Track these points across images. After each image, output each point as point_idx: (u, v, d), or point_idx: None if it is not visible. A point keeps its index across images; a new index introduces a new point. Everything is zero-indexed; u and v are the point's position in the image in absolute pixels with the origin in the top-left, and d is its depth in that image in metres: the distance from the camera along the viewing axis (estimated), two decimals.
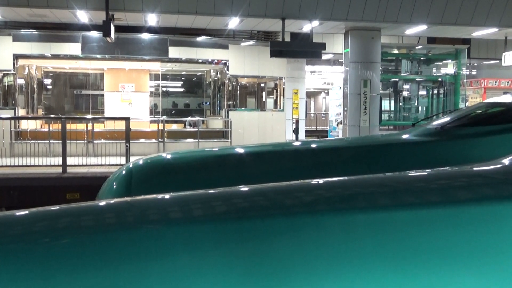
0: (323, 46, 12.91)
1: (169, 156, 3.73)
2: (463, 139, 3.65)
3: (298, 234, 1.21)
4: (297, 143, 4.71)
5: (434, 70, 17.70)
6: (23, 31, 14.35)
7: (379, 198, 1.44)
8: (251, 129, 15.30)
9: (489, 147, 3.56)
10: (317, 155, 3.77)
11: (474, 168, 1.68)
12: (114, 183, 3.25)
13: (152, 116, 16.92)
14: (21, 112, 14.75)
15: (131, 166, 3.39)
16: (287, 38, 13.12)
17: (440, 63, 17.72)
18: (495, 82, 22.16)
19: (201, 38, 15.41)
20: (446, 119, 4.08)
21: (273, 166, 3.53)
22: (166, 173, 3.39)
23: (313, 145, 4.32)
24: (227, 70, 15.63)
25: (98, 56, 14.73)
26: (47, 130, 12.59)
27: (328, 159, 3.66)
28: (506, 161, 1.65)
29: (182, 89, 20.46)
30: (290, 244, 1.19)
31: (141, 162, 3.50)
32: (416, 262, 1.16)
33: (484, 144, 3.59)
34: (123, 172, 3.32)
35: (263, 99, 18.21)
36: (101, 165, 11.13)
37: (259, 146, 4.55)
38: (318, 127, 25.66)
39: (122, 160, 10.73)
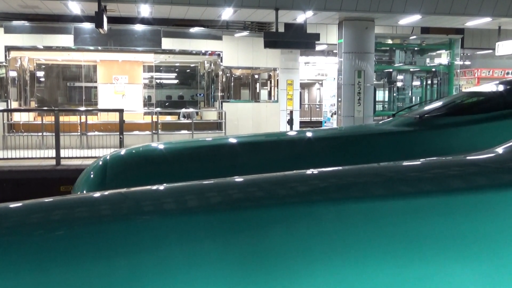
0: (317, 36, 12.88)
1: (145, 148, 3.70)
2: (441, 129, 3.64)
3: (293, 224, 1.21)
4: (277, 134, 4.67)
5: (428, 60, 17.72)
6: (15, 22, 14.22)
7: (373, 188, 1.44)
8: (246, 121, 15.28)
9: (467, 137, 3.56)
10: (293, 146, 3.74)
11: (469, 157, 1.69)
12: (89, 175, 3.23)
13: (146, 108, 16.86)
14: (14, 105, 14.65)
15: (107, 158, 3.37)
16: (281, 29, 13.07)
17: (434, 53, 17.74)
18: (489, 72, 22.22)
19: (194, 29, 15.33)
20: (425, 108, 4.07)
21: (250, 158, 3.49)
22: (141, 165, 3.36)
23: (290, 136, 4.27)
24: (221, 61, 15.57)
25: (91, 47, 14.63)
26: (40, 122, 12.52)
27: (304, 150, 3.63)
28: (500, 150, 1.65)
29: (176, 81, 20.39)
30: (285, 234, 1.19)
31: (116, 154, 3.48)
32: (411, 251, 1.16)
33: (461, 133, 3.59)
34: (98, 164, 3.30)
35: (257, 90, 18.18)
36: (95, 157, 11.07)
37: (238, 137, 4.53)
38: (312, 118, 25.68)
39: None
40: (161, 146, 3.87)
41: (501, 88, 4.04)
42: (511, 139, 3.43)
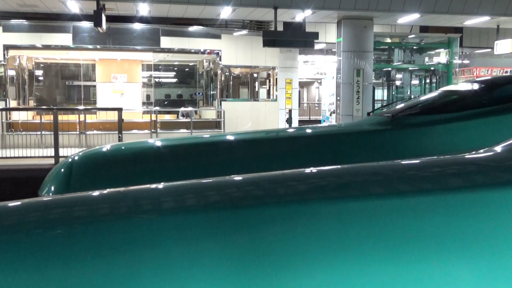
0: (315, 35, 12.87)
1: (113, 147, 3.64)
2: (412, 128, 3.61)
3: (291, 222, 1.21)
4: (251, 133, 4.61)
5: (426, 59, 17.74)
6: (13, 21, 14.19)
7: (372, 187, 1.44)
8: (244, 119, 15.28)
9: (439, 135, 3.54)
10: (262, 145, 3.67)
11: (467, 156, 1.69)
12: (54, 175, 3.18)
13: (145, 106, 16.84)
14: (12, 104, 14.63)
15: (75, 157, 3.31)
16: (280, 28, 13.07)
17: (433, 52, 17.75)
18: (487, 70, 22.22)
19: (193, 28, 15.31)
20: (399, 107, 4.04)
21: (220, 157, 3.44)
22: (109, 165, 3.30)
23: (260, 135, 4.22)
24: (220, 60, 15.56)
25: (90, 46, 14.60)
26: (39, 121, 12.51)
27: (275, 149, 3.58)
28: (498, 148, 1.65)
29: (174, 80, 20.37)
30: (283, 233, 1.19)
31: (84, 153, 3.42)
32: (410, 249, 1.16)
33: (433, 132, 3.56)
34: (65, 164, 3.24)
35: (256, 89, 18.17)
36: None
37: (209, 137, 4.47)
38: (311, 117, 25.68)
39: None
40: (130, 145, 3.79)
41: (475, 86, 4.02)
42: (483, 137, 3.44)
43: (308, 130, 4.32)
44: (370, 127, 3.74)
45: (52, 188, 3.07)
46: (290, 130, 4.68)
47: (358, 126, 3.98)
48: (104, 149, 3.57)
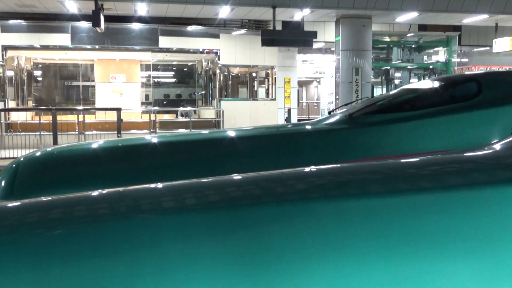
0: (314, 34, 12.87)
1: (60, 149, 3.52)
2: (369, 126, 3.56)
3: (290, 221, 1.21)
4: (200, 133, 4.44)
5: (425, 57, 17.74)
6: (12, 21, 14.18)
7: (371, 185, 1.44)
8: (243, 119, 15.29)
9: (395, 134, 3.50)
10: (216, 145, 3.57)
11: (466, 154, 1.69)
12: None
13: (144, 106, 16.83)
14: (11, 104, 14.62)
15: (21, 159, 3.19)
16: (278, 27, 13.08)
17: (431, 51, 17.76)
18: (486, 69, 22.22)
19: (192, 28, 15.31)
20: (359, 106, 3.99)
21: (169, 158, 3.33)
22: (55, 168, 3.17)
23: (215, 135, 4.11)
24: (219, 59, 15.56)
25: (88, 46, 14.60)
26: (38, 121, 12.50)
27: (228, 149, 3.47)
28: (497, 146, 1.66)
29: (173, 79, 20.37)
30: (283, 232, 1.19)
31: (30, 155, 3.29)
32: (409, 248, 1.16)
33: (389, 131, 3.52)
34: (10, 167, 3.10)
35: (255, 89, 18.17)
36: None
37: (160, 137, 4.36)
38: (310, 116, 25.68)
39: None
40: (79, 146, 3.67)
41: (434, 85, 3.98)
42: (441, 136, 3.43)
43: (264, 130, 4.21)
44: (326, 126, 3.70)
45: None
46: (247, 129, 4.57)
47: (314, 125, 3.91)
48: (52, 151, 3.43)
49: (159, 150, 3.45)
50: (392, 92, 4.57)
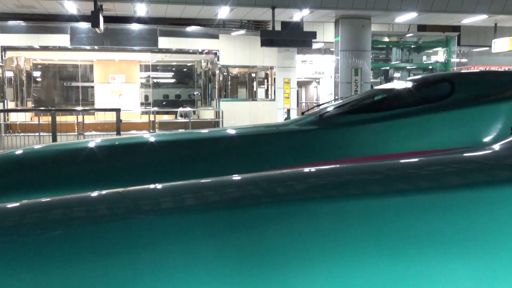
0: (313, 35, 12.88)
1: (26, 150, 3.45)
2: (338, 127, 3.50)
3: (290, 222, 1.21)
4: (160, 135, 4.32)
5: (424, 58, 17.75)
6: (11, 22, 14.17)
7: (371, 185, 1.44)
8: (243, 119, 15.29)
9: (365, 135, 3.44)
10: (182, 147, 3.47)
11: (466, 154, 1.69)
12: None
13: (143, 107, 16.82)
14: (10, 105, 14.62)
15: None
16: (278, 27, 13.08)
17: (431, 51, 17.78)
18: (485, 69, 22.26)
19: (191, 28, 15.31)
20: (329, 107, 3.92)
21: (129, 161, 3.26)
22: (17, 170, 3.08)
23: (181, 136, 3.99)
24: (218, 60, 15.56)
25: (87, 47, 14.60)
26: (37, 122, 12.49)
27: (197, 151, 3.40)
28: (497, 147, 1.66)
29: (173, 80, 20.37)
30: (282, 232, 1.19)
31: None
32: (409, 248, 1.16)
33: (359, 132, 3.46)
34: None
35: (254, 89, 18.17)
36: None
37: (120, 139, 4.25)
38: None
39: None
40: (34, 150, 3.59)
41: (405, 86, 3.93)
42: (410, 136, 3.38)
43: (234, 131, 4.08)
44: (295, 127, 3.63)
45: None
46: (216, 130, 4.46)
47: (284, 126, 3.85)
48: (18, 152, 3.35)
49: (136, 150, 3.39)
50: (365, 93, 4.51)
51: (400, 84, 4.12)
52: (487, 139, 3.27)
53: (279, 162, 3.18)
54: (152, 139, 3.71)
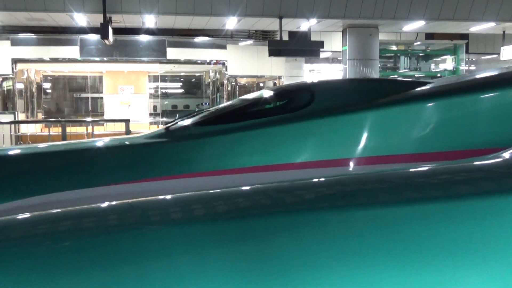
0: (321, 44, 12.90)
1: None
2: (183, 140, 3.31)
3: (299, 232, 1.21)
4: (30, 147, 4.24)
5: (432, 66, 17.70)
6: (21, 35, 14.34)
7: (380, 194, 1.43)
8: None
9: (209, 148, 3.24)
10: (40, 159, 3.30)
11: (475, 162, 1.68)
12: None
13: (152, 117, 16.90)
14: (21, 116, 14.75)
15: None
16: (285, 37, 13.12)
17: (439, 59, 17.73)
18: None
19: (199, 39, 15.40)
20: (181, 118, 3.71)
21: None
22: None
23: (42, 150, 3.70)
24: (226, 70, 15.63)
25: (97, 58, 14.73)
26: (47, 133, 12.58)
27: (40, 164, 3.24)
28: (507, 155, 1.65)
29: (181, 90, 20.47)
30: (291, 242, 1.19)
31: None
32: (419, 258, 1.16)
33: (205, 144, 3.25)
34: None
35: None
36: None
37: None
38: None
39: None
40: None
41: (266, 95, 3.72)
42: (263, 147, 3.19)
43: (88, 143, 3.94)
44: (144, 140, 3.45)
45: None
46: (76, 142, 4.31)
47: (136, 139, 3.63)
48: None
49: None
50: (226, 103, 4.31)
51: (260, 93, 3.88)
52: (344, 149, 3.08)
53: (114, 177, 3.04)
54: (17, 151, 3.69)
